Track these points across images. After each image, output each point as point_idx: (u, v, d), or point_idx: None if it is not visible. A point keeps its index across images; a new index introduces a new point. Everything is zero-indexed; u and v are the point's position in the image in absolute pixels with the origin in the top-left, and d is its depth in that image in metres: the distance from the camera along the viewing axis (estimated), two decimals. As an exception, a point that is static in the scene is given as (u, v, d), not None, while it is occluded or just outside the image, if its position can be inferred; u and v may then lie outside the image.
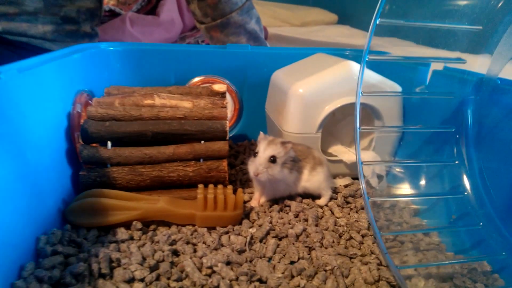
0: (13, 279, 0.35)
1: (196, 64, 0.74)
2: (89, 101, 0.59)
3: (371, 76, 0.58)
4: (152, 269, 0.40)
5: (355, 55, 0.78)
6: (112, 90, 0.60)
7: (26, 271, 0.36)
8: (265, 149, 0.50)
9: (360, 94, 0.47)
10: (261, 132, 0.54)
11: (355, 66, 0.58)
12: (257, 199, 0.55)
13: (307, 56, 0.73)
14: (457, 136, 0.50)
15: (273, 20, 1.81)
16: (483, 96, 0.49)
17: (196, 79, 0.75)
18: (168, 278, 0.39)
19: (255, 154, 0.51)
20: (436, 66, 0.59)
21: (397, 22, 0.46)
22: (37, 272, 0.36)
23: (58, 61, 0.52)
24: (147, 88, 0.61)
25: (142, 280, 0.38)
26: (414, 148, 0.58)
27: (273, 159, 0.49)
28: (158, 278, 0.39)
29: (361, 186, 0.45)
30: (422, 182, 0.55)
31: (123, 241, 0.44)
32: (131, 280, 0.38)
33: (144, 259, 0.41)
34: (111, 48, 0.69)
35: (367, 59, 0.46)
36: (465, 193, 0.47)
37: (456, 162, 0.49)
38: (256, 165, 0.49)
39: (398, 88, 0.59)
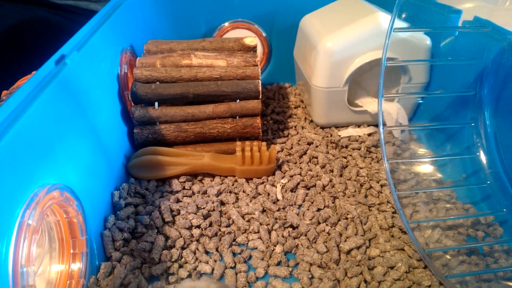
0: (101, 230, 0.45)
1: (225, 8, 0.75)
2: (132, 58, 0.63)
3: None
4: (205, 217, 0.49)
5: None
6: (150, 46, 0.63)
7: (109, 222, 0.46)
8: None
9: (385, 63, 0.49)
10: None
11: (384, 19, 0.59)
12: None
13: (338, -3, 0.72)
14: (477, 98, 0.53)
15: None
16: (509, 57, 0.50)
17: (226, 24, 0.76)
18: (219, 225, 0.49)
19: None
20: (466, 16, 0.59)
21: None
22: (118, 224, 0.46)
23: (104, 25, 0.55)
24: (182, 44, 0.64)
25: (198, 226, 0.48)
26: (436, 104, 0.61)
27: None
28: (211, 224, 0.49)
29: (383, 156, 0.51)
30: (442, 137, 0.60)
31: (177, 192, 0.53)
32: (190, 228, 0.48)
33: (198, 208, 0.50)
34: (143, -2, 0.70)
35: (392, 31, 0.47)
36: (477, 154, 0.52)
37: (472, 124, 0.52)
38: None
39: (427, 40, 0.60)
